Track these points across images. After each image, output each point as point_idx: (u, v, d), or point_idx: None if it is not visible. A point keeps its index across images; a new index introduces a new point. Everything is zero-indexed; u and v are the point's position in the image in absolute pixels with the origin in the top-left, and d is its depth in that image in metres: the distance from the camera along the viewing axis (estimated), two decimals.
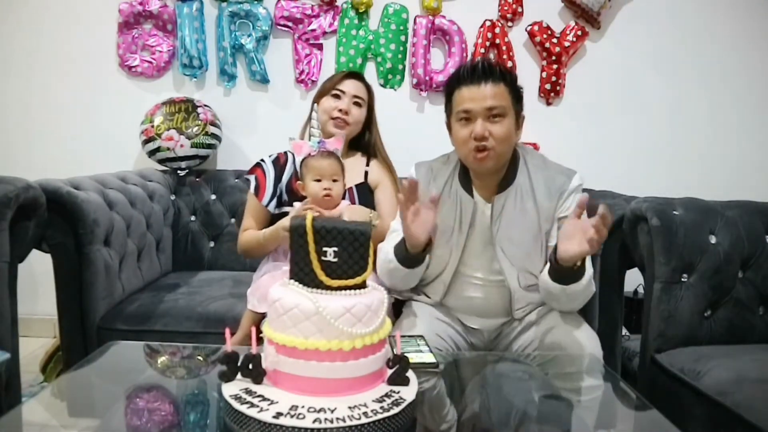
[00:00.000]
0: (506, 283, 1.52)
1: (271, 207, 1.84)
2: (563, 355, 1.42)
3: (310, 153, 1.61)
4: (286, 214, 1.79)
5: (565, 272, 1.35)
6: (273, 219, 1.86)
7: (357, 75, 1.95)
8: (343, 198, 1.80)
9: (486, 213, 1.53)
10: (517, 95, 1.49)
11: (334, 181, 1.61)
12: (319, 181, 1.60)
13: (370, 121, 1.95)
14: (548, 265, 1.41)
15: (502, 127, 1.44)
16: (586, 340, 1.42)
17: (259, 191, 1.85)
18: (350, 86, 1.87)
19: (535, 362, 1.48)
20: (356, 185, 1.87)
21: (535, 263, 1.50)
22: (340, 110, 1.83)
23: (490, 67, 1.47)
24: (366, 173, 1.91)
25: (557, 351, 1.42)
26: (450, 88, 1.53)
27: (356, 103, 1.88)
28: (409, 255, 1.42)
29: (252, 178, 1.88)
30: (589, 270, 1.40)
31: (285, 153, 1.92)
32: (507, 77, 1.47)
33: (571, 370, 1.39)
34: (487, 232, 1.53)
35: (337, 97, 1.86)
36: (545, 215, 1.50)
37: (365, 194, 1.87)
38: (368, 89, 1.94)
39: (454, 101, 1.51)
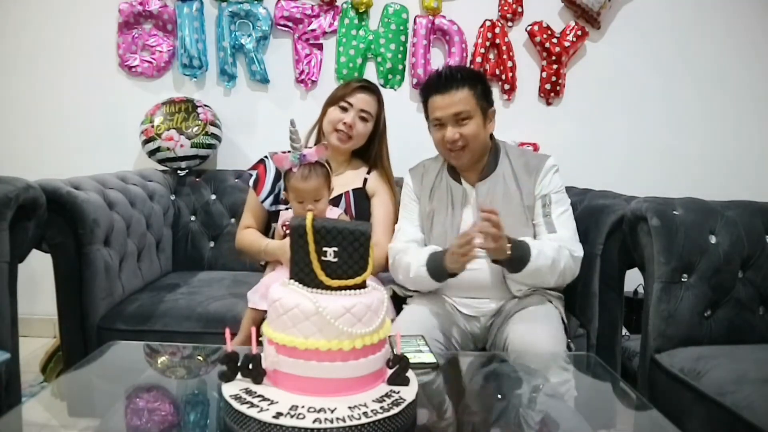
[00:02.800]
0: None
1: (267, 204, 1.85)
2: (524, 355, 1.47)
3: (291, 167, 1.56)
4: (279, 213, 1.79)
5: (507, 264, 1.53)
6: (269, 216, 1.87)
7: (369, 87, 1.90)
8: (338, 201, 1.80)
9: (473, 196, 1.69)
10: (483, 94, 1.64)
11: (317, 200, 1.57)
12: (301, 201, 1.57)
13: (375, 133, 1.91)
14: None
15: (470, 128, 1.62)
16: (546, 339, 1.50)
17: (257, 186, 1.86)
18: (359, 99, 1.84)
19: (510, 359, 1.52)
20: (353, 190, 1.86)
21: (523, 237, 1.58)
22: (345, 123, 1.82)
23: (452, 75, 1.63)
24: (365, 180, 1.90)
25: (519, 350, 1.49)
26: (424, 96, 1.70)
27: (362, 118, 1.85)
28: (448, 273, 1.56)
29: (254, 173, 1.90)
30: (536, 249, 1.52)
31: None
32: (469, 81, 1.63)
33: (536, 367, 1.45)
34: (476, 213, 1.65)
35: (344, 109, 1.83)
36: (526, 192, 1.67)
37: (361, 200, 1.87)
38: (379, 102, 1.90)
39: (428, 108, 1.69)
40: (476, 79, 1.65)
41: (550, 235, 1.61)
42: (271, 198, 1.85)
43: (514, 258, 1.50)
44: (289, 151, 1.56)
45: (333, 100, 1.87)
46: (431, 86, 1.66)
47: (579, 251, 1.62)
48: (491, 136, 1.75)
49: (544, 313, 1.59)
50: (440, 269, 1.56)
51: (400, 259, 1.66)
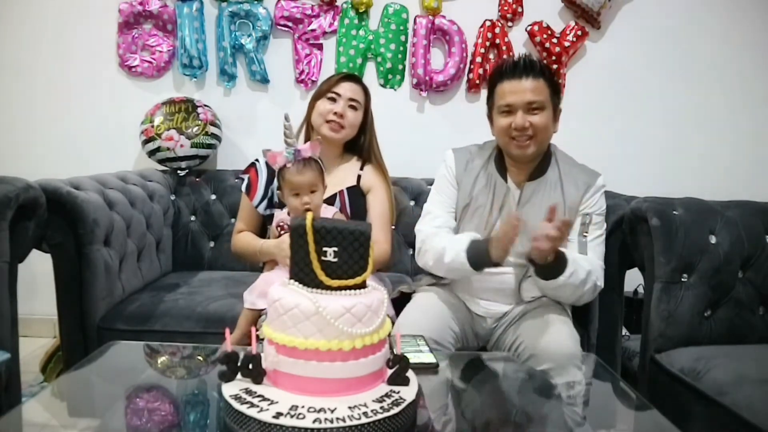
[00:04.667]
0: (526, 263, 1.55)
1: (261, 208, 1.85)
2: (542, 354, 1.46)
3: (285, 164, 1.56)
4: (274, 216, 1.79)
5: (542, 270, 1.46)
6: (263, 220, 1.87)
7: (354, 77, 1.92)
8: (333, 201, 1.80)
9: (515, 197, 1.63)
10: (555, 89, 1.60)
11: (312, 192, 1.58)
12: (297, 195, 1.57)
13: (365, 124, 1.92)
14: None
15: (542, 118, 1.56)
16: (565, 339, 1.49)
17: (250, 191, 1.86)
18: (346, 89, 1.84)
19: (519, 360, 1.51)
20: (348, 188, 1.85)
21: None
22: (335, 113, 1.81)
23: (531, 63, 1.57)
24: (359, 177, 1.89)
25: (536, 349, 1.48)
26: (492, 82, 1.64)
27: (352, 107, 1.84)
28: (492, 263, 1.48)
29: (245, 177, 1.89)
30: (573, 267, 1.46)
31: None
32: (546, 73, 1.58)
33: (549, 367, 1.42)
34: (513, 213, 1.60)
35: (332, 100, 1.83)
36: (570, 206, 1.60)
37: (356, 197, 1.86)
38: (365, 91, 1.90)
39: (496, 95, 1.61)
40: (552, 75, 1.61)
41: (580, 256, 1.55)
42: (265, 202, 1.85)
43: (551, 267, 1.45)
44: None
45: (319, 94, 1.87)
46: (505, 71, 1.58)
47: (602, 283, 1.57)
48: None
49: (557, 316, 1.57)
50: (482, 257, 1.48)
51: (431, 243, 1.59)
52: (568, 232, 1.40)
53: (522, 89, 1.55)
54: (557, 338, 1.48)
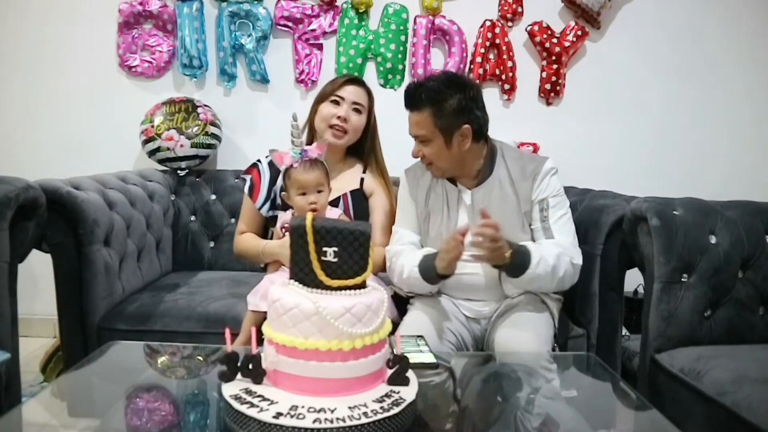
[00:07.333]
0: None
1: (264, 210, 1.84)
2: (507, 354, 1.49)
3: (292, 164, 1.57)
4: (277, 217, 1.79)
5: (508, 269, 1.51)
6: (266, 221, 1.86)
7: (358, 80, 1.90)
8: (337, 204, 1.80)
9: (468, 199, 1.67)
10: (452, 113, 1.55)
11: (319, 192, 1.59)
12: (303, 194, 1.58)
13: (368, 127, 1.89)
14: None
15: (430, 149, 1.61)
16: (526, 339, 1.50)
17: (252, 193, 1.85)
18: (350, 92, 1.82)
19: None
20: (351, 191, 1.85)
21: (519, 242, 1.57)
22: (339, 117, 1.79)
23: (413, 95, 1.60)
24: (362, 180, 1.89)
25: (501, 348, 1.51)
26: None
27: (356, 110, 1.82)
28: (440, 276, 1.55)
29: (248, 178, 1.87)
30: (538, 255, 1.50)
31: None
32: (430, 102, 1.56)
33: (515, 367, 1.45)
34: (472, 218, 1.64)
35: (336, 103, 1.81)
36: (523, 197, 1.64)
37: (359, 201, 1.85)
38: (369, 95, 1.88)
39: None
40: (441, 99, 1.55)
41: (548, 240, 1.58)
42: (267, 204, 1.84)
43: (514, 265, 1.49)
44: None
45: (322, 97, 1.84)
46: (404, 102, 1.65)
47: (578, 259, 1.60)
48: (487, 139, 1.70)
49: (528, 318, 1.57)
50: (431, 270, 1.55)
51: (395, 262, 1.65)
52: (500, 230, 1.44)
53: (411, 122, 1.62)
54: (519, 344, 1.49)
